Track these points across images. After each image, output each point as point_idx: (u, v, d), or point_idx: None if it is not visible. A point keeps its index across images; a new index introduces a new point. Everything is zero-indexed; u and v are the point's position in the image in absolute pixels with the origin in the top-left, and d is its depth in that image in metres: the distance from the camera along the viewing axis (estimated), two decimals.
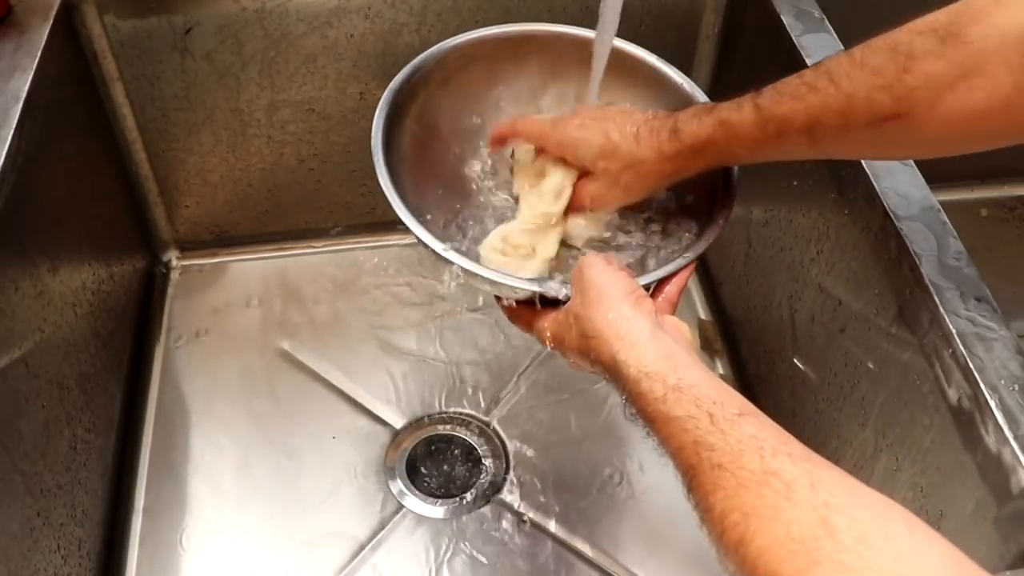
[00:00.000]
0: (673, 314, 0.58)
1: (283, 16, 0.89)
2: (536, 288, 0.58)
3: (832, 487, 0.39)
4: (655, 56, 0.71)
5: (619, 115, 0.63)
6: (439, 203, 0.69)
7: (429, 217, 0.65)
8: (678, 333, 0.54)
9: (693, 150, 0.58)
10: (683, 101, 0.68)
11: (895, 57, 0.49)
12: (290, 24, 0.89)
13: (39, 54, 0.77)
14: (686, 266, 0.60)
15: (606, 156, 0.61)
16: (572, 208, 0.66)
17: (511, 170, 0.71)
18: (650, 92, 0.71)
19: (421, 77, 0.69)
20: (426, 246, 0.59)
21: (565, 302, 0.57)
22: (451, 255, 0.58)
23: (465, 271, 0.58)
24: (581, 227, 0.67)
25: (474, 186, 0.72)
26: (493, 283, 0.58)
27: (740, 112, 0.56)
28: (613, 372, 0.51)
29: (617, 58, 0.67)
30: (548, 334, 0.58)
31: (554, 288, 0.57)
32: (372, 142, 0.64)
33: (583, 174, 0.64)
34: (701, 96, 0.69)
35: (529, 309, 0.60)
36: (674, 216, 0.67)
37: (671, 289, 0.59)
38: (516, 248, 0.66)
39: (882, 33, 0.51)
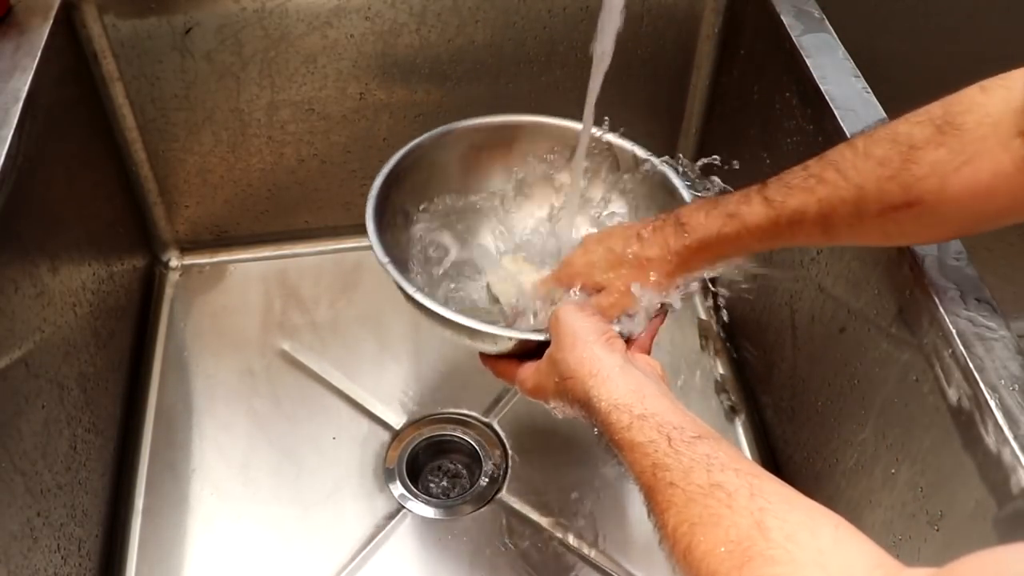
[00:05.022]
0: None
1: (283, 16, 0.89)
2: (517, 335, 0.61)
3: (770, 495, 0.42)
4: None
5: (618, 229, 0.65)
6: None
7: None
8: (649, 368, 0.57)
9: (701, 243, 0.59)
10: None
11: (897, 147, 0.51)
12: (290, 24, 0.90)
13: (39, 54, 0.77)
14: (656, 316, 0.63)
15: (614, 266, 0.64)
16: None
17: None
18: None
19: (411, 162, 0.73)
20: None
21: (547, 345, 0.59)
22: (438, 308, 0.62)
23: (445, 320, 0.61)
24: None
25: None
26: (474, 333, 0.61)
27: (750, 205, 0.57)
28: (587, 407, 0.54)
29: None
30: (529, 385, 0.61)
31: (533, 335, 0.61)
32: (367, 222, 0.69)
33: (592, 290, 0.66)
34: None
35: (511, 362, 0.63)
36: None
37: (643, 337, 0.62)
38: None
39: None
